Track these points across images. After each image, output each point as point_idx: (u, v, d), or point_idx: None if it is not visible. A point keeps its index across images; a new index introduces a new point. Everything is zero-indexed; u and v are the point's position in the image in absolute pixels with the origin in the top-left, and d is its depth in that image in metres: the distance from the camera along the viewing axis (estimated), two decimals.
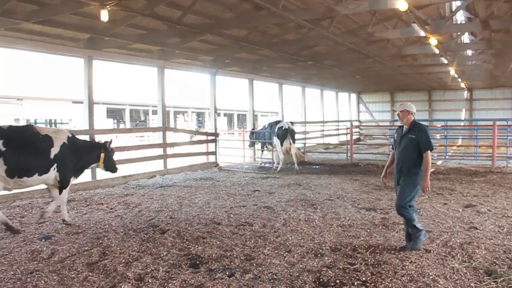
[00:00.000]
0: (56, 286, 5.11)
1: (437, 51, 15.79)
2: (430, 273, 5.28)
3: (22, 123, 31.34)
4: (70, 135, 8.20)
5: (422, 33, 12.42)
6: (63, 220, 8.05)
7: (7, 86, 28.94)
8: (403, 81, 28.24)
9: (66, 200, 8.33)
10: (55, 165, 7.78)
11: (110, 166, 8.93)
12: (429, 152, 6.18)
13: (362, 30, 13.79)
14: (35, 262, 5.94)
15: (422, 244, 6.26)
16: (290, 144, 15.66)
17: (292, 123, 16.66)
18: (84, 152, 8.40)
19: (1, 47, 12.08)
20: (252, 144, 18.38)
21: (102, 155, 8.62)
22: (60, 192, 8.05)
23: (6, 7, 9.76)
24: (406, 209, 6.23)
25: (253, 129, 19.45)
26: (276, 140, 15.88)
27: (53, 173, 7.80)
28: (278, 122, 16.79)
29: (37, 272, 5.49)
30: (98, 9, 9.55)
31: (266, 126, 17.88)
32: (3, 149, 7.18)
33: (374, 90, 35.50)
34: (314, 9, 10.91)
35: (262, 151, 18.06)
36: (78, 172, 8.51)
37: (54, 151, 7.76)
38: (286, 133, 15.74)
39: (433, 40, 12.78)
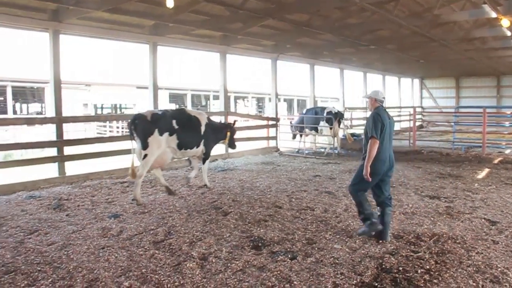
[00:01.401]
0: (125, 261, 5.38)
1: (509, 33, 14.99)
2: (498, 265, 5.14)
3: (90, 107, 32.76)
4: (207, 116, 9.94)
5: (494, 15, 11.81)
6: (205, 185, 9.88)
7: (77, 73, 30.25)
8: (470, 66, 27.00)
9: (207, 168, 10.19)
10: (203, 140, 9.60)
11: (232, 143, 10.71)
12: (373, 139, 5.85)
13: (427, 13, 13.30)
14: (106, 239, 6.28)
15: (370, 232, 6.15)
16: (339, 127, 16.33)
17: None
18: (217, 130, 10.12)
19: (72, 35, 12.56)
20: (294, 137, 18.01)
21: (228, 133, 10.38)
22: (204, 162, 9.91)
23: None
24: (354, 192, 6.26)
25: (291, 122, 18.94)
26: (325, 124, 16.18)
27: (201, 147, 9.64)
28: (324, 108, 17.04)
29: (108, 248, 5.82)
30: None
31: (304, 112, 17.74)
32: (176, 127, 8.90)
33: (438, 75, 34.10)
34: None
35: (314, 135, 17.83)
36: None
37: (202, 129, 9.58)
38: (336, 117, 16.01)
39: (505, 22, 12.11)
